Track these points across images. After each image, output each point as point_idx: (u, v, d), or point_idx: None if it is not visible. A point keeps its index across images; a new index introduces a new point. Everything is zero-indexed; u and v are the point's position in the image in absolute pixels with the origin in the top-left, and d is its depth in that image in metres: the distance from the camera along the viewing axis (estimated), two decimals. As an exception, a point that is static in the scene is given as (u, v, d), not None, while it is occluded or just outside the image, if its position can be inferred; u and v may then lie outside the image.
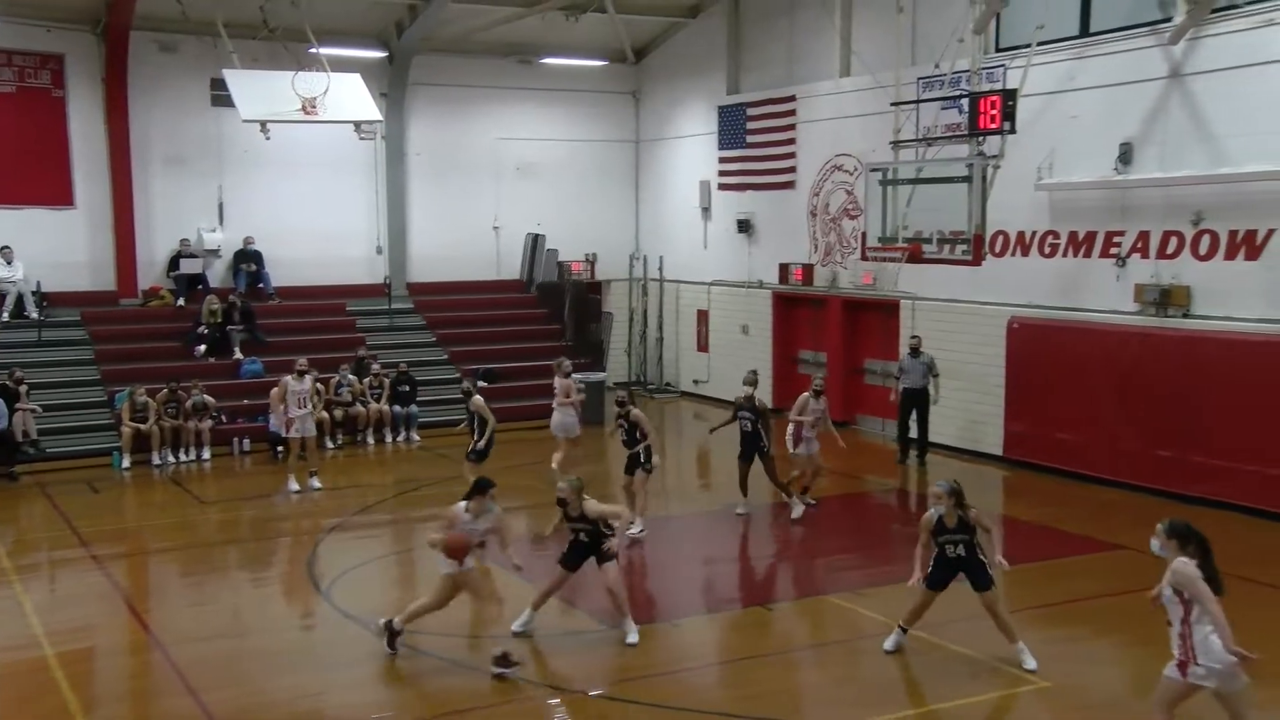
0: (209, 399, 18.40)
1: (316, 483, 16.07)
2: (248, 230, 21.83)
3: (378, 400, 19.75)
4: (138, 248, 21.20)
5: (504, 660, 9.10)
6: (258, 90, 17.94)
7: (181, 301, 21.06)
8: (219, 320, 20.35)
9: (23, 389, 17.47)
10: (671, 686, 9.11)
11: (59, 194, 20.68)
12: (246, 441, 18.74)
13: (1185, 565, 6.88)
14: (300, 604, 11.58)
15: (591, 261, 24.80)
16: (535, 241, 24.33)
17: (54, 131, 20.52)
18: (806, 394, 14.43)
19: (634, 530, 13.03)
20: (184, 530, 14.37)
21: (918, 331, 17.80)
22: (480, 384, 20.99)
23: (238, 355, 20.22)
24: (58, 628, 10.42)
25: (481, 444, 14.49)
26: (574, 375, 17.21)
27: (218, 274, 21.89)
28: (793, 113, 21.16)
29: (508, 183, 24.40)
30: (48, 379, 18.57)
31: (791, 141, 21.28)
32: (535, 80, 24.38)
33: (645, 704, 8.68)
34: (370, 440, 19.53)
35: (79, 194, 20.80)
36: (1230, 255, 14.19)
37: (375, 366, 20.19)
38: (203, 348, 20.11)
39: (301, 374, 16.21)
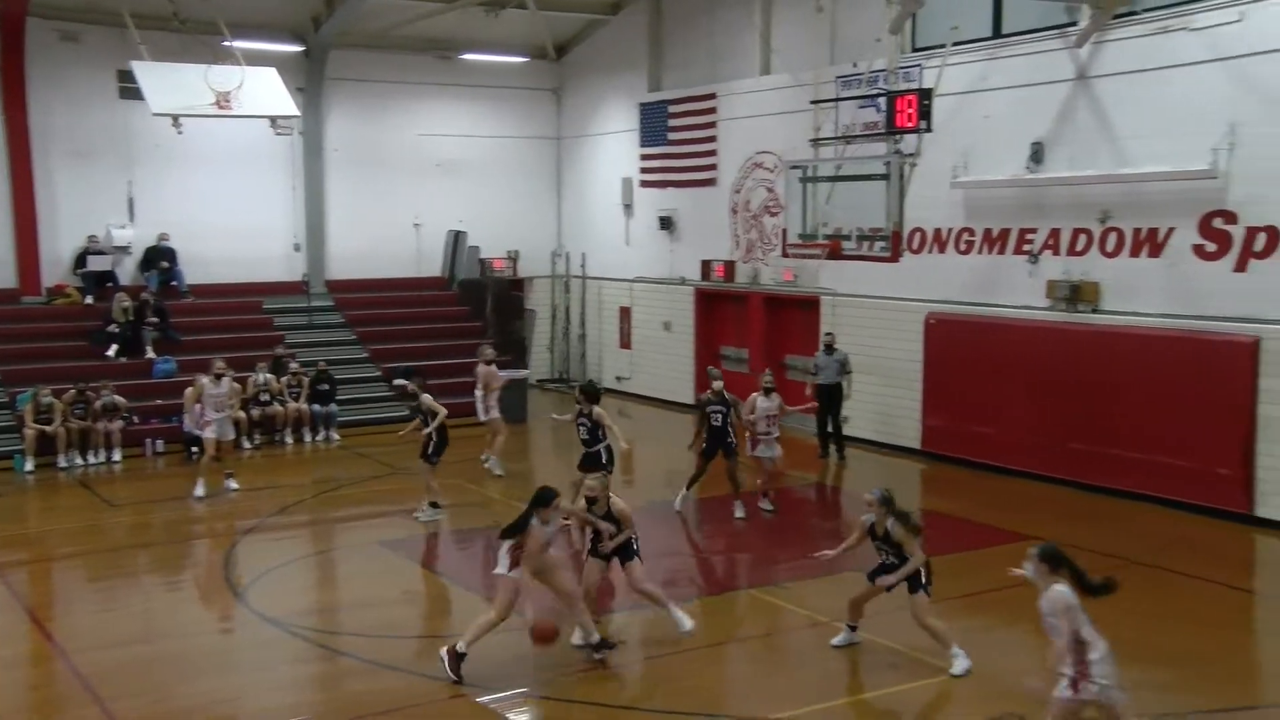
0: (119, 399, 17.90)
1: (234, 484, 15.67)
2: (160, 226, 21.27)
3: (296, 399, 19.41)
4: (41, 244, 20.51)
5: (456, 661, 8.91)
6: (169, 83, 17.44)
7: (90, 300, 20.46)
8: (130, 319, 19.81)
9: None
10: (598, 683, 9.08)
11: (-47, 188, 19.94)
12: (160, 443, 18.28)
13: (1059, 594, 7.02)
14: (216, 607, 11.32)
15: (514, 259, 24.65)
16: (457, 238, 24.12)
17: (-54, 123, 19.77)
18: (755, 394, 14.13)
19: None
20: (92, 534, 13.95)
21: (837, 327, 18.02)
22: (400, 382, 20.77)
23: (150, 354, 19.70)
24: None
25: (433, 438, 13.91)
26: (501, 373, 17.14)
27: (128, 271, 21.30)
28: (714, 110, 21.27)
29: (428, 179, 24.13)
30: (-53, 380, 17.94)
31: (713, 139, 21.39)
32: (456, 76, 24.16)
33: (572, 701, 8.65)
34: (289, 440, 19.18)
35: (-21, 189, 20.07)
36: (1135, 253, 14.61)
37: (293, 365, 19.84)
38: (115, 347, 19.53)
39: (219, 377, 15.70)
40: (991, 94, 16.12)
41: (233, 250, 21.98)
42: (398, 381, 20.97)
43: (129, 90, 19.37)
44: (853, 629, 9.66)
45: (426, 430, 14.00)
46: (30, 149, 20.25)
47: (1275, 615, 11.01)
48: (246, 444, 18.60)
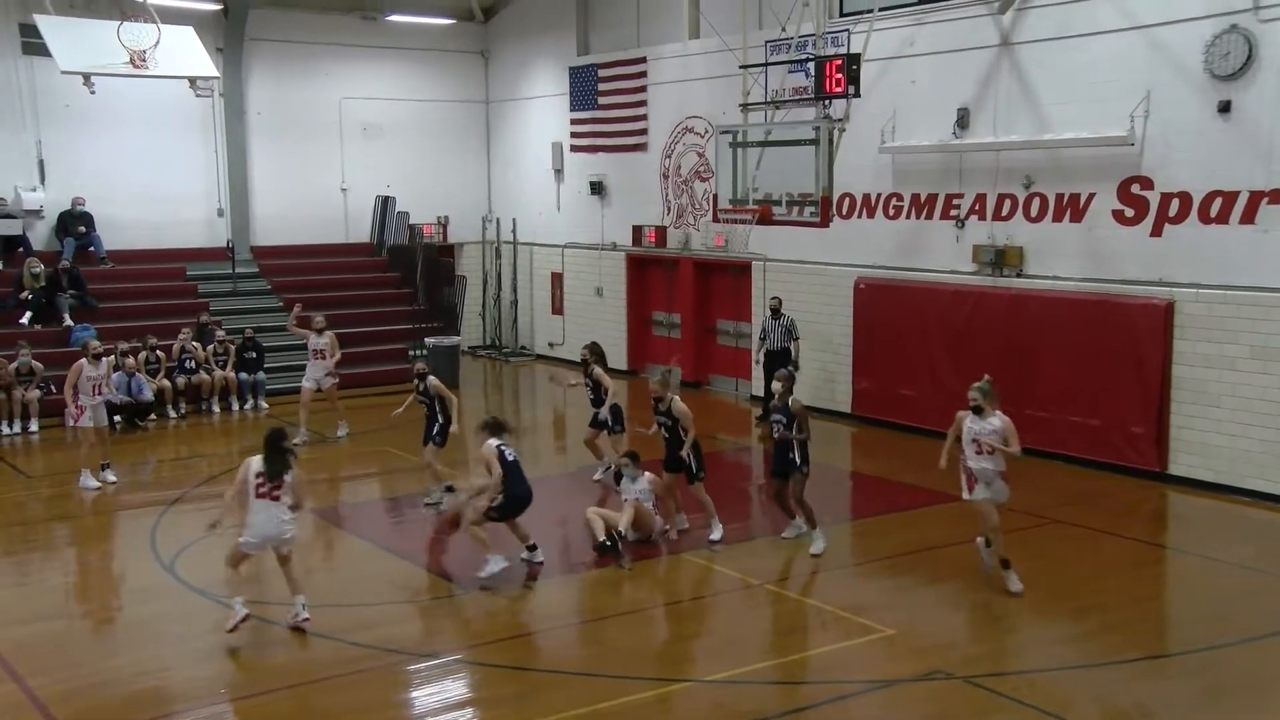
0: (36, 364, 17.43)
1: (111, 475, 14.28)
2: (74, 190, 20.66)
3: (223, 367, 19.08)
4: (-59, 206, 19.85)
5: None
6: (78, 40, 16.84)
7: (0, 266, 19.84)
8: (43, 285, 19.26)
9: None
10: (529, 648, 9.13)
11: None
12: (80, 413, 17.82)
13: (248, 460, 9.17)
14: (140, 579, 11.10)
15: (443, 224, 24.40)
16: (385, 204, 23.80)
17: None
18: (963, 412, 10.05)
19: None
20: (7, 508, 13.56)
21: (768, 292, 18.12)
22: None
23: (68, 322, 19.20)
24: None
25: (450, 427, 12.99)
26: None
27: (42, 236, 20.68)
28: (643, 74, 21.18)
29: (355, 143, 23.76)
30: None
31: (643, 104, 21.31)
32: (380, 38, 23.72)
33: (503, 667, 8.68)
34: (216, 408, 18.86)
35: None
36: (1058, 218, 14.89)
37: (220, 333, 19.47)
38: (29, 315, 18.99)
39: (97, 357, 14.23)
40: (918, 59, 16.25)
41: (153, 215, 21.49)
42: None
43: (33, 45, 18.72)
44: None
45: (443, 425, 12.92)
46: (-79, 106, 19.53)
47: (1185, 568, 11.41)
48: (172, 413, 18.29)
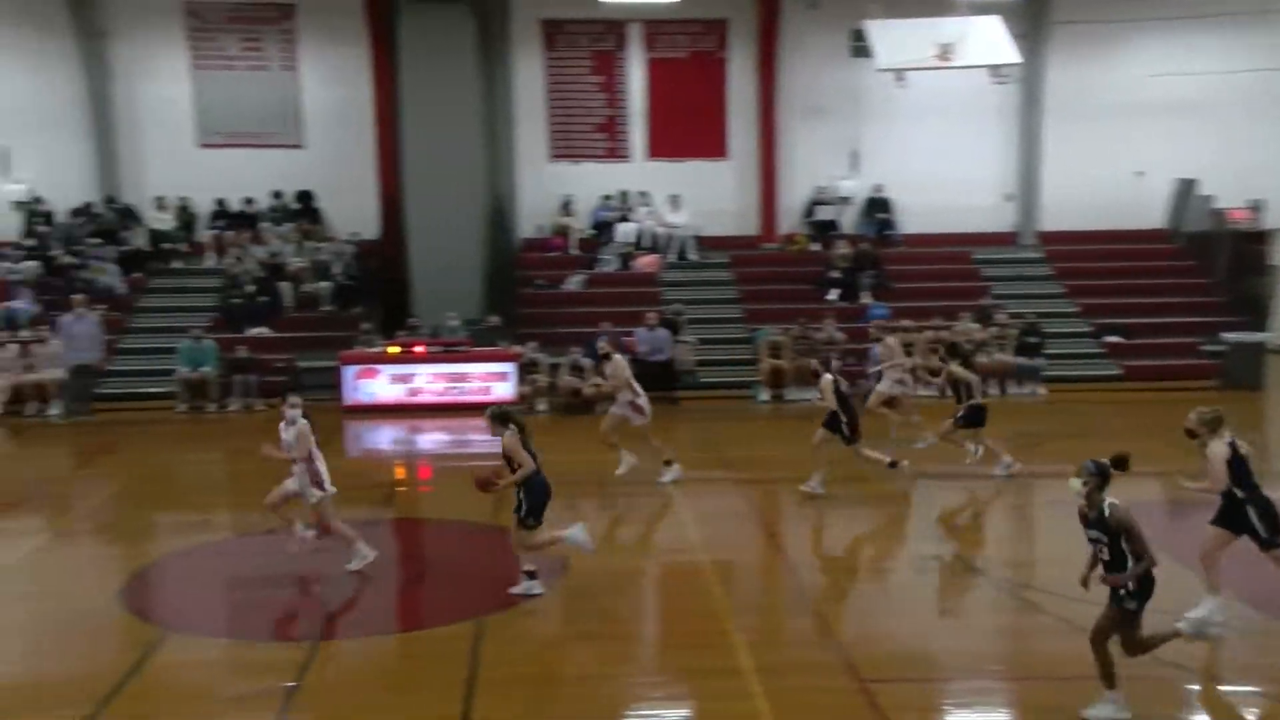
0: (837, 334, 19.30)
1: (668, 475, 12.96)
2: (877, 178, 22.59)
3: (1002, 351, 19.41)
4: (778, 195, 22.87)
5: None
6: (895, 39, 18.37)
7: (816, 247, 22.36)
8: (848, 265, 21.30)
9: (682, 323, 19.88)
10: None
11: (714, 147, 23.04)
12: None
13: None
14: (917, 547, 11.73)
15: (1256, 209, 21.97)
16: (1186, 187, 22.13)
17: (715, 90, 22.85)
18: None
19: None
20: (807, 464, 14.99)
21: None
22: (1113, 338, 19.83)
23: (865, 300, 21.02)
24: (708, 540, 11.58)
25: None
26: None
27: (849, 221, 22.88)
28: None
29: (1157, 124, 22.41)
30: (701, 316, 20.80)
31: None
32: (1192, 8, 21.94)
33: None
34: (993, 390, 19.19)
35: (731, 146, 22.97)
36: None
37: (1001, 317, 19.85)
38: (836, 292, 21.16)
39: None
40: None
41: (942, 200, 22.53)
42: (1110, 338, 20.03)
43: (859, 49, 20.75)
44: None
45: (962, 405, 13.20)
46: (775, 108, 22.65)
47: None
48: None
